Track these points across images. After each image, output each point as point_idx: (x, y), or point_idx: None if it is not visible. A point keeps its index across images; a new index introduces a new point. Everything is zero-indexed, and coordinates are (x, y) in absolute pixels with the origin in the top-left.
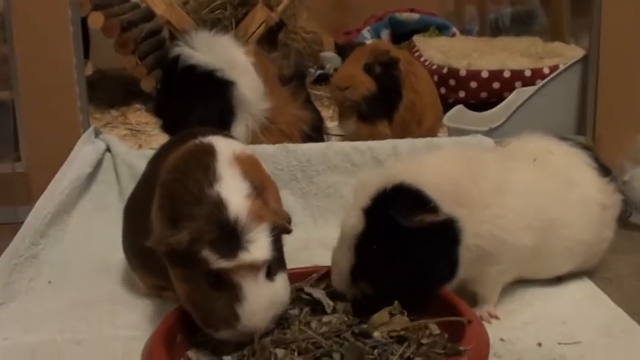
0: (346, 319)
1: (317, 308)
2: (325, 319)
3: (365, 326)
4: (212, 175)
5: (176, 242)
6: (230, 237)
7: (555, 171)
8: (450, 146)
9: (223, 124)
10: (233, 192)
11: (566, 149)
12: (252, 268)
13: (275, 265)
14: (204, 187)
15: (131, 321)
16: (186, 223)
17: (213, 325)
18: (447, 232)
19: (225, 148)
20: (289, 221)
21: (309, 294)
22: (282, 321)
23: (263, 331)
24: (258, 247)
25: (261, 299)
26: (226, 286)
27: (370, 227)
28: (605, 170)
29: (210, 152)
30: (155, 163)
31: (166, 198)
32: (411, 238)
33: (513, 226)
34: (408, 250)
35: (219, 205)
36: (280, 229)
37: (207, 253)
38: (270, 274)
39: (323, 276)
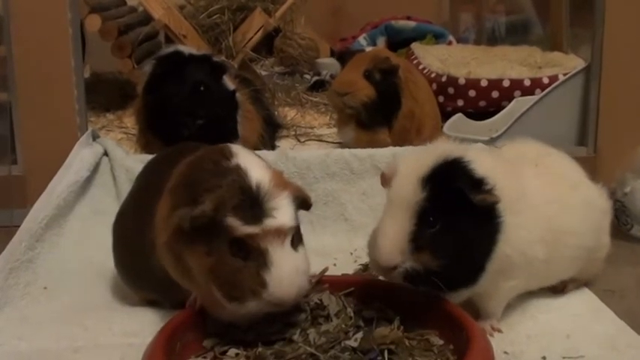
0: (344, 326)
1: (318, 314)
2: (323, 328)
3: (361, 334)
4: (229, 154)
5: (200, 213)
6: (254, 203)
7: (558, 175)
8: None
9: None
10: (252, 163)
11: (560, 154)
12: (279, 234)
13: (297, 236)
14: (222, 163)
15: (129, 328)
16: (207, 195)
17: (238, 297)
18: (494, 219)
19: (239, 147)
20: (309, 199)
21: (320, 301)
22: (285, 328)
23: (290, 304)
24: (284, 213)
25: (289, 266)
26: (252, 254)
27: (433, 196)
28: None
29: (226, 147)
30: (150, 175)
31: (183, 194)
32: (469, 214)
33: (531, 238)
34: (467, 226)
35: (240, 172)
36: (301, 200)
37: (231, 220)
38: (293, 245)
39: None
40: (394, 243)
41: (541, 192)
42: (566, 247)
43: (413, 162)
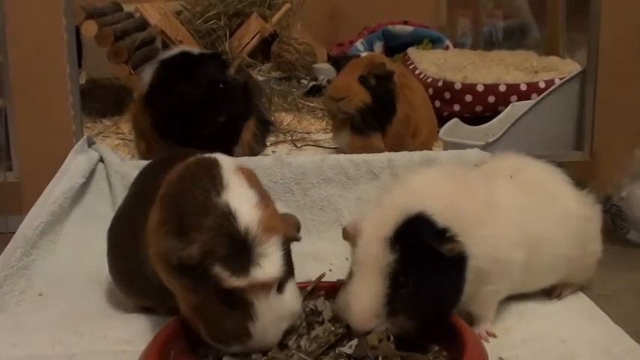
0: (333, 328)
1: (313, 320)
2: (313, 333)
3: (355, 341)
4: (219, 184)
5: (187, 256)
6: (241, 251)
7: (534, 186)
8: (442, 164)
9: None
10: (242, 201)
11: (542, 165)
12: (264, 286)
13: (285, 276)
14: (212, 196)
15: (123, 335)
16: (196, 235)
17: (223, 341)
18: (462, 258)
19: (227, 160)
20: (298, 227)
21: (314, 307)
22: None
23: (275, 346)
24: (271, 262)
25: (273, 316)
26: (238, 304)
27: (402, 257)
28: (579, 186)
29: (214, 163)
30: (144, 182)
31: (171, 210)
32: (438, 266)
33: (504, 243)
34: (437, 276)
35: (229, 215)
36: (290, 239)
37: (219, 271)
38: (280, 287)
39: (315, 288)
40: (368, 307)
41: (513, 200)
42: (543, 254)
43: (376, 221)
